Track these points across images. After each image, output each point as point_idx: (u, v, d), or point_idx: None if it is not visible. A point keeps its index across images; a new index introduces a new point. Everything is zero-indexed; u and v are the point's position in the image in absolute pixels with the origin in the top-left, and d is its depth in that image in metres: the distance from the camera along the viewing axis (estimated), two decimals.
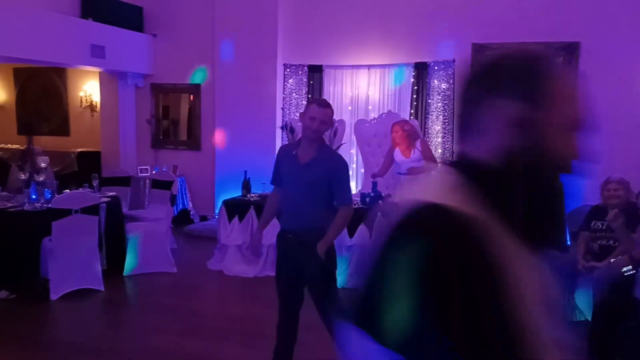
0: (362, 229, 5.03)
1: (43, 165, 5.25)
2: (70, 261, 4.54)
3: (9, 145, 8.99)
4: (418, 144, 5.23)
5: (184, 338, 3.75)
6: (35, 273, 4.60)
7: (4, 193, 5.18)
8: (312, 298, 2.93)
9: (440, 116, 6.83)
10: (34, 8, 6.32)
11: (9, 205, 4.77)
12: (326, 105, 2.87)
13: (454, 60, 6.74)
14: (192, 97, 8.25)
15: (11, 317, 4.15)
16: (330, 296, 2.90)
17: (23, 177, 5.09)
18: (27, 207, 4.70)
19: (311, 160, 2.84)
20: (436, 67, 6.79)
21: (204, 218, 7.88)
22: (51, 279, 4.46)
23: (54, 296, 4.46)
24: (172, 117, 8.52)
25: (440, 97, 6.81)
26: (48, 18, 6.47)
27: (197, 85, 8.12)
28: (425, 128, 6.84)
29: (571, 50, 6.30)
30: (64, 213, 4.43)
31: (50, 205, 4.58)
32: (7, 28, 5.85)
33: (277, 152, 3.18)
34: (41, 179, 5.07)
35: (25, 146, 5.80)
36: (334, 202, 2.93)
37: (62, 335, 3.99)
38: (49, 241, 4.49)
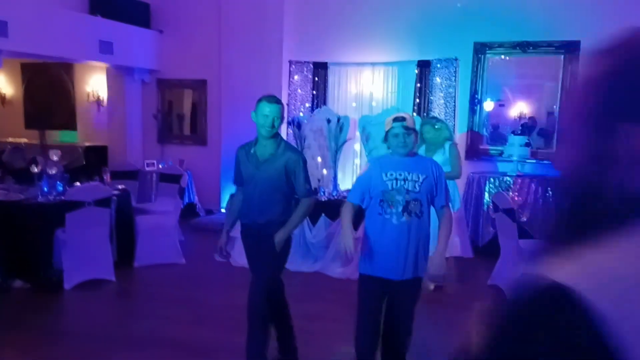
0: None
1: (55, 158, 5.37)
2: (83, 252, 4.68)
3: (18, 139, 9.12)
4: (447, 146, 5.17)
5: (194, 327, 3.88)
6: (49, 264, 4.74)
7: (17, 185, 5.30)
8: (253, 274, 3.06)
9: (443, 113, 6.95)
10: (44, 4, 6.43)
11: (23, 197, 4.90)
12: (276, 101, 2.94)
13: (456, 59, 6.85)
14: (197, 92, 8.37)
15: (26, 306, 4.29)
16: (267, 280, 3.03)
17: (36, 170, 5.22)
18: (40, 199, 4.83)
19: (269, 157, 2.96)
20: (439, 65, 6.91)
21: (209, 212, 8.01)
22: (64, 269, 4.60)
23: (67, 286, 4.60)
24: (178, 112, 8.64)
25: (442, 95, 6.93)
26: (58, 14, 6.59)
27: (204, 81, 8.24)
28: None
29: (571, 48, 6.41)
30: (77, 205, 4.56)
31: (63, 197, 4.71)
32: (18, 24, 5.96)
33: (235, 153, 3.21)
34: (53, 172, 5.20)
35: (39, 140, 5.92)
36: (295, 195, 3.06)
37: (75, 323, 4.13)
38: (62, 232, 4.62)
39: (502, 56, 6.82)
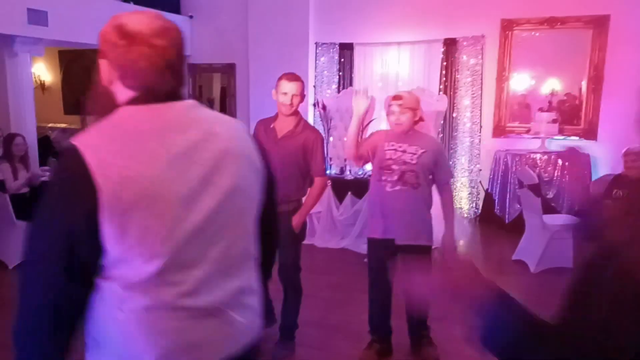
0: None
1: None
2: None
3: (57, 125, 9.54)
4: None
5: None
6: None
7: None
8: (279, 262, 3.13)
9: (469, 91, 6.98)
10: None
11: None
12: (295, 78, 2.99)
13: (482, 36, 6.84)
14: (225, 76, 8.58)
15: None
16: (295, 262, 3.15)
17: None
18: None
19: (288, 133, 3.01)
20: (465, 43, 6.91)
21: None
22: None
23: None
24: (208, 96, 8.89)
25: (469, 73, 6.95)
26: (93, 2, 6.84)
27: (232, 65, 8.43)
28: (453, 103, 7.01)
29: (601, 23, 6.32)
30: None
31: None
32: (57, 13, 6.25)
33: (254, 127, 3.25)
34: None
35: (80, 125, 6.23)
36: (310, 173, 3.10)
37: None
38: None
39: (530, 32, 6.77)
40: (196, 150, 1.17)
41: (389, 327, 3.23)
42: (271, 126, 3.08)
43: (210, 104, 8.90)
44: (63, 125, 9.52)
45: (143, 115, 1.18)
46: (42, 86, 10.02)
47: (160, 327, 1.13)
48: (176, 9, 8.37)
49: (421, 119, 3.02)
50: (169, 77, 1.20)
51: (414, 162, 2.92)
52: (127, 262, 1.10)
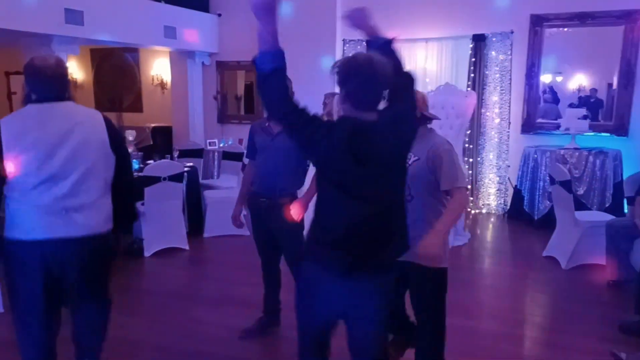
0: None
1: (130, 138, 5.83)
2: (160, 223, 5.12)
3: None
4: None
5: (259, 288, 4.17)
6: (130, 233, 5.22)
7: None
8: (285, 257, 3.24)
9: (498, 87, 6.96)
10: None
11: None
12: None
13: (511, 32, 6.81)
14: (253, 73, 8.69)
15: (113, 269, 4.76)
16: (298, 253, 3.07)
17: None
18: None
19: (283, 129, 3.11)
20: (494, 39, 6.89)
21: None
22: (144, 238, 5.06)
23: (147, 253, 5.07)
24: (236, 93, 9.01)
25: (497, 69, 6.93)
26: (127, 2, 7.01)
27: None
28: (482, 99, 7.00)
29: (633, 18, 6.25)
30: (154, 180, 4.99)
31: (141, 173, 5.15)
32: (92, 13, 6.42)
33: (249, 129, 3.34)
34: (130, 150, 5.66)
35: (118, 122, 6.41)
36: (306, 167, 3.19)
37: (156, 284, 4.58)
38: (142, 205, 5.07)
39: (560, 28, 6.72)
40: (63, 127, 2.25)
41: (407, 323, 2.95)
42: (267, 124, 3.19)
43: (237, 101, 9.04)
44: None
45: (37, 107, 2.27)
46: (74, 84, 10.28)
47: (41, 213, 2.19)
48: (205, 8, 8.51)
49: (425, 117, 2.51)
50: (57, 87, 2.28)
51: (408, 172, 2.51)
52: (18, 180, 2.19)
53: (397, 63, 2.02)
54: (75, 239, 2.22)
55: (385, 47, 2.10)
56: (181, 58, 8.68)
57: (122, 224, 2.46)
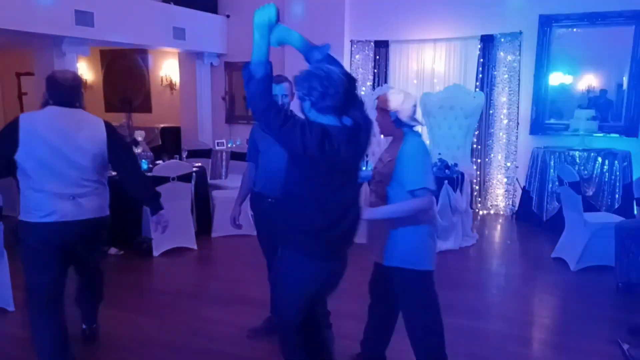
0: None
1: (139, 138, 5.87)
2: (169, 223, 5.13)
3: None
4: None
5: (266, 288, 4.21)
6: (139, 233, 5.26)
7: None
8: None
9: (506, 88, 6.94)
10: None
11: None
12: (282, 80, 3.12)
13: (520, 32, 6.79)
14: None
15: (122, 269, 4.82)
16: None
17: None
18: None
19: None
20: (502, 40, 6.88)
21: None
22: (153, 238, 5.09)
23: (155, 253, 5.10)
24: (244, 93, 9.04)
25: (506, 69, 6.91)
26: (136, 3, 7.07)
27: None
28: (490, 100, 6.98)
29: None
30: (163, 180, 5.02)
31: (151, 173, 5.19)
32: (102, 14, 6.48)
33: (250, 131, 3.36)
34: (139, 150, 5.70)
35: (124, 121, 6.46)
36: None
37: (166, 283, 4.61)
38: None
39: (569, 28, 6.69)
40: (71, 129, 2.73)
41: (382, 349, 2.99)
42: None
43: (245, 101, 9.07)
44: None
45: (52, 109, 2.74)
46: (84, 85, 10.36)
47: (48, 199, 2.67)
48: (213, 9, 8.55)
49: (400, 122, 2.56)
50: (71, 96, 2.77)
51: (383, 172, 2.61)
52: (33, 173, 2.66)
53: (343, 69, 2.23)
54: (81, 220, 2.74)
55: (327, 57, 2.31)
56: (190, 59, 8.73)
57: (152, 205, 3.07)
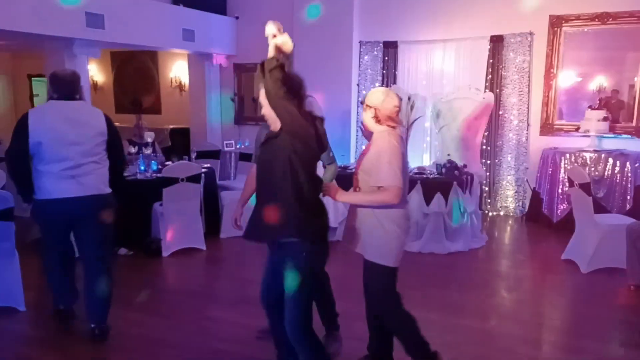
0: (438, 197, 5.31)
1: (149, 140, 5.91)
2: (178, 223, 5.17)
3: None
4: None
5: None
6: (149, 234, 5.29)
7: None
8: None
9: (516, 88, 6.91)
10: None
11: (124, 174, 5.45)
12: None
13: (530, 33, 6.75)
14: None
15: (132, 269, 4.85)
16: None
17: (133, 150, 5.78)
18: (139, 176, 5.36)
19: None
20: (512, 40, 6.84)
21: None
22: (162, 238, 5.12)
23: (165, 253, 5.13)
24: (253, 94, 9.06)
25: (516, 70, 6.88)
26: (146, 5, 7.11)
27: None
28: (500, 101, 6.95)
29: None
30: (172, 181, 5.04)
31: (160, 174, 5.22)
32: (112, 16, 6.52)
33: (257, 133, 3.35)
34: (148, 152, 5.73)
35: (135, 123, 6.50)
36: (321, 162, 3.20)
37: (175, 283, 4.64)
38: (160, 206, 5.13)
39: (580, 28, 6.64)
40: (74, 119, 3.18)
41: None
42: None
43: (254, 102, 9.08)
44: (116, 123, 9.88)
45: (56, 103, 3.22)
46: (94, 86, 10.45)
47: (52, 179, 3.12)
48: (222, 11, 8.58)
49: (378, 120, 2.62)
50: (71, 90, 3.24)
51: (357, 168, 2.74)
52: (41, 157, 3.11)
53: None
54: (83, 197, 3.17)
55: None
56: (199, 60, 8.77)
57: (116, 187, 3.42)
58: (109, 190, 3.31)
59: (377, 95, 2.61)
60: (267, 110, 2.42)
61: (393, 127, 2.63)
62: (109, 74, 10.59)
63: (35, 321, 3.76)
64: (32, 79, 10.63)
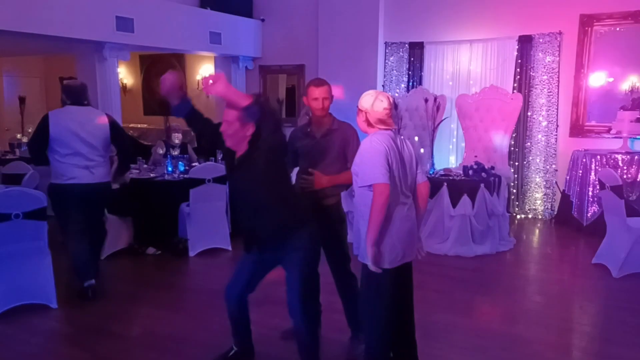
0: (464, 199, 5.26)
1: (177, 141, 5.99)
2: (204, 224, 5.24)
3: (138, 125, 10.13)
4: None
5: None
6: (176, 234, 5.37)
7: (145, 166, 5.98)
8: (332, 258, 3.24)
9: (545, 89, 6.79)
10: (162, 0, 7.09)
11: (152, 175, 5.56)
12: (323, 83, 3.13)
13: (560, 33, 6.63)
14: (294, 77, 8.78)
15: (160, 268, 4.94)
16: (344, 252, 3.26)
17: (161, 151, 5.87)
18: (167, 177, 5.45)
19: (326, 132, 3.16)
20: (541, 40, 6.72)
21: None
22: (189, 238, 5.19)
23: (191, 253, 5.20)
24: (278, 96, 9.12)
25: (545, 70, 6.76)
26: (174, 9, 7.22)
27: (301, 66, 8.62)
28: (529, 102, 6.84)
29: None
30: (199, 182, 5.11)
31: (187, 175, 5.30)
32: (141, 20, 6.65)
33: (289, 134, 3.30)
34: (175, 153, 5.81)
35: (166, 124, 6.61)
36: (347, 165, 3.14)
37: (202, 282, 4.69)
38: (187, 206, 5.20)
39: (611, 27, 6.48)
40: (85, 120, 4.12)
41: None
42: (308, 130, 3.24)
43: (279, 104, 9.14)
44: (144, 125, 10.09)
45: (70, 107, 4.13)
46: (124, 88, 10.65)
47: (71, 168, 4.04)
48: (249, 13, 8.66)
49: (369, 123, 2.63)
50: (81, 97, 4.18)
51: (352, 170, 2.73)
52: (59, 150, 4.01)
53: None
54: (92, 183, 4.07)
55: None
56: (225, 63, 8.86)
57: (122, 170, 4.51)
58: (109, 178, 4.31)
59: (367, 99, 2.60)
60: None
61: (385, 130, 2.62)
62: (137, 76, 10.78)
63: (67, 318, 3.86)
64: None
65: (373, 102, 2.57)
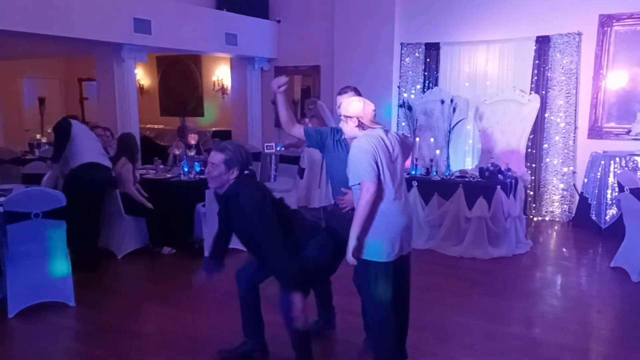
0: (480, 201, 5.22)
1: (193, 142, 6.04)
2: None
3: (155, 126, 10.23)
4: None
5: None
6: (191, 233, 5.41)
7: (162, 166, 6.05)
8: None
9: (563, 90, 6.71)
10: (179, 2, 7.16)
11: (169, 175, 5.61)
12: (348, 90, 3.16)
13: (578, 33, 6.55)
14: (310, 78, 8.80)
15: (176, 267, 4.98)
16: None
17: (177, 152, 5.93)
18: (183, 177, 5.50)
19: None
20: (559, 41, 6.65)
21: None
22: (205, 238, 5.22)
23: (207, 253, 5.22)
24: (293, 97, 9.14)
25: (563, 71, 6.68)
26: (191, 11, 7.29)
27: (317, 67, 8.63)
28: (546, 103, 6.76)
29: None
30: None
31: (203, 175, 5.33)
32: (159, 22, 6.72)
33: (324, 129, 3.33)
34: (192, 153, 5.87)
35: (180, 124, 6.67)
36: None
37: (218, 283, 4.67)
38: (202, 206, 5.24)
39: (631, 27, 6.38)
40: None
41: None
42: (342, 137, 3.14)
43: (294, 105, 9.16)
44: (161, 126, 10.18)
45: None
46: (141, 90, 10.77)
47: (89, 154, 4.98)
48: (265, 14, 8.70)
49: (362, 126, 2.74)
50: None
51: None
52: (76, 150, 4.94)
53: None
54: (104, 165, 4.95)
55: None
56: (241, 64, 8.92)
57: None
58: (110, 164, 5.12)
59: (356, 105, 2.76)
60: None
61: (375, 128, 2.76)
62: (154, 77, 10.89)
63: (85, 316, 3.91)
64: (83, 82, 11.04)
65: (363, 107, 2.76)
